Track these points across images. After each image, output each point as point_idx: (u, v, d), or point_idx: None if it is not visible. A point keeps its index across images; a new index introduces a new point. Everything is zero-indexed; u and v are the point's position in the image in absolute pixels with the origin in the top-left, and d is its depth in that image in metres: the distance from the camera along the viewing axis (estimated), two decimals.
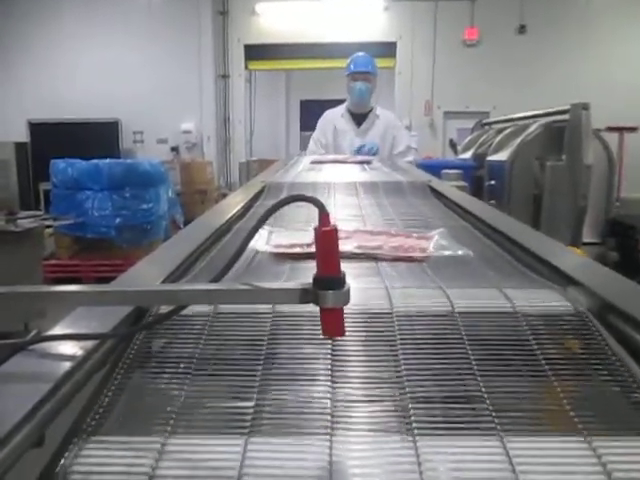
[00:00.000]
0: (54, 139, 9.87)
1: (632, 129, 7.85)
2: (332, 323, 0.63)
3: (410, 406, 0.65)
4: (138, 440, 0.60)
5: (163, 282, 0.95)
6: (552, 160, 3.73)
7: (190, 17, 10.17)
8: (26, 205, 8.99)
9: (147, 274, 1.05)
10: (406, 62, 10.00)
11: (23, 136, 10.31)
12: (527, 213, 3.76)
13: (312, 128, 4.51)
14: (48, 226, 5.31)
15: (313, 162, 3.37)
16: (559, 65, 9.43)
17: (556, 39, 9.53)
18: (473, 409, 0.65)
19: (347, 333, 0.65)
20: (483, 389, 0.67)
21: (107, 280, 0.98)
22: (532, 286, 0.98)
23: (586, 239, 3.78)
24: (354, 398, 0.67)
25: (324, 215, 0.62)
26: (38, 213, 5.01)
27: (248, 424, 0.63)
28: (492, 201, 3.63)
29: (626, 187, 7.15)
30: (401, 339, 0.78)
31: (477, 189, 4.10)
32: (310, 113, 10.35)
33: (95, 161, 6.28)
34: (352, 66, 4.18)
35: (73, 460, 0.57)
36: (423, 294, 0.91)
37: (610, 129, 6.93)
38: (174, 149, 10.53)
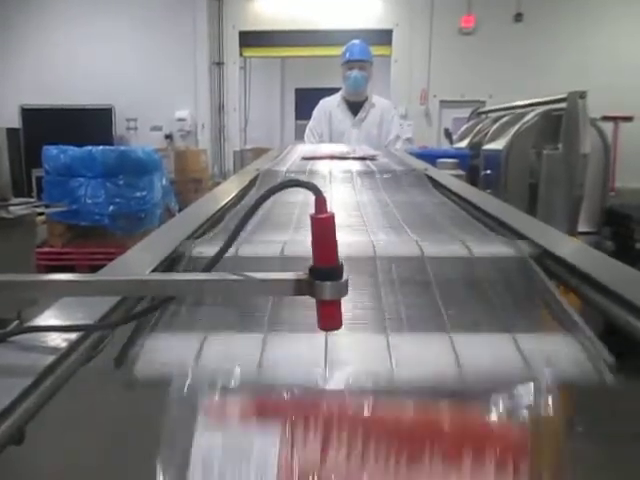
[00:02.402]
0: (47, 125, 9.79)
1: (627, 118, 7.83)
2: (329, 316, 0.60)
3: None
4: (184, 336, 0.78)
5: (153, 271, 0.92)
6: (548, 149, 3.71)
7: (185, 3, 10.07)
8: (19, 192, 8.90)
9: (137, 262, 1.02)
10: (402, 50, 9.94)
11: (15, 122, 10.21)
12: (523, 202, 3.74)
13: (307, 117, 4.46)
14: (41, 213, 5.26)
15: (305, 158, 2.81)
16: (555, 53, 9.40)
17: (553, 27, 9.49)
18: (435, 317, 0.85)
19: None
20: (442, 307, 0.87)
21: (101, 269, 0.95)
22: (488, 239, 1.21)
23: (582, 228, 3.76)
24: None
25: (320, 200, 0.59)
26: (30, 200, 4.95)
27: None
28: (488, 190, 3.60)
29: (621, 177, 7.14)
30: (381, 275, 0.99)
31: (473, 178, 4.07)
32: (305, 101, 10.28)
33: (88, 148, 6.22)
34: (347, 54, 4.12)
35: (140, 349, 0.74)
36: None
37: (605, 118, 6.90)
38: (168, 137, 10.46)
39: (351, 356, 0.74)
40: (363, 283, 0.96)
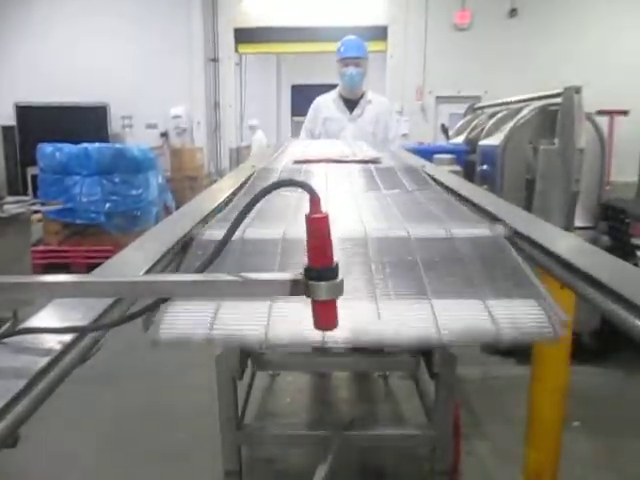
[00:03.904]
0: (42, 123, 9.76)
1: (622, 112, 7.83)
2: (325, 316, 0.60)
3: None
4: None
5: (148, 272, 0.91)
6: (545, 144, 3.70)
7: (179, 0, 10.04)
8: (14, 190, 8.91)
9: (132, 262, 1.01)
10: (398, 46, 9.93)
11: (10, 119, 10.18)
12: (520, 198, 3.74)
13: (303, 113, 4.42)
14: (36, 212, 5.24)
15: (297, 161, 2.46)
16: (550, 48, 9.40)
17: (546, 22, 9.49)
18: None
19: None
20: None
21: (97, 267, 0.94)
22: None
23: (579, 223, 3.76)
24: None
25: (315, 200, 0.58)
26: (25, 198, 4.92)
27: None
28: (485, 186, 3.59)
29: (616, 171, 7.14)
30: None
31: (469, 174, 4.06)
32: (301, 98, 10.27)
33: (84, 145, 6.20)
34: (343, 51, 4.07)
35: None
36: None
37: (601, 112, 6.90)
38: (164, 134, 10.43)
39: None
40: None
